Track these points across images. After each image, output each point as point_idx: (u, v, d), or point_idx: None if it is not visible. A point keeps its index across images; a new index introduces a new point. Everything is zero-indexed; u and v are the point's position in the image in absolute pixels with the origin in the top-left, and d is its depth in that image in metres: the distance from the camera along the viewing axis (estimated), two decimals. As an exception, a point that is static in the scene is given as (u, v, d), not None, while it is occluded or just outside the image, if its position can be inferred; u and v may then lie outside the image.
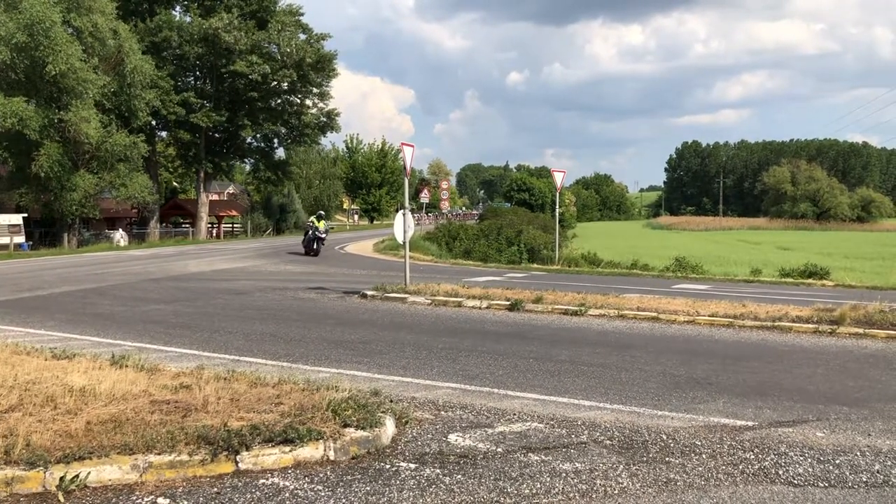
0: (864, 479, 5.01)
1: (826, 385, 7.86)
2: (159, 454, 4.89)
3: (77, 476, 4.60)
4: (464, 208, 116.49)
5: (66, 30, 35.51)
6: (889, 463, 5.34)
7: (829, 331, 11.03)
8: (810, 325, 11.29)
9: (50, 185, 36.38)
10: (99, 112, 37.23)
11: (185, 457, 4.90)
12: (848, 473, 5.12)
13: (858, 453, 5.55)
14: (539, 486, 4.80)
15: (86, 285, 18.07)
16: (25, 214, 38.62)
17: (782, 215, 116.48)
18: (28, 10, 33.50)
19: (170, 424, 5.35)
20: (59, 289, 17.27)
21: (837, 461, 5.36)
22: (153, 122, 46.43)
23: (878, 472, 5.16)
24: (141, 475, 4.77)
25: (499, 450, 5.52)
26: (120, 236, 43.49)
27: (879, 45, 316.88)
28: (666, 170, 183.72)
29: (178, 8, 49.94)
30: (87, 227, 44.79)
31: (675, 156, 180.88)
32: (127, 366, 7.34)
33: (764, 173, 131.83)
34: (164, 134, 51.44)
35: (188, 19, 47.98)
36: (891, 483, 4.95)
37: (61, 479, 4.56)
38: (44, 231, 41.65)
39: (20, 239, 37.34)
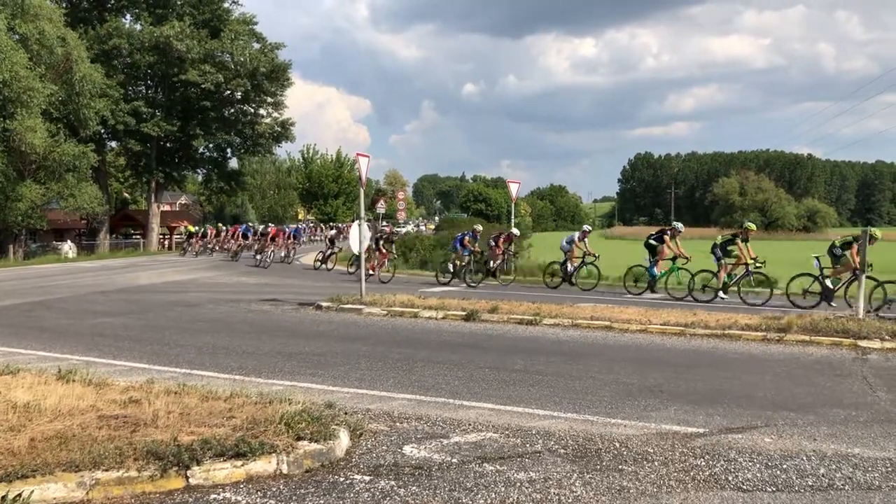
0: (811, 483, 5.13)
1: (774, 391, 8.03)
2: (107, 470, 4.77)
3: (20, 495, 4.45)
4: (420, 218, 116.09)
5: (10, 37, 34.60)
6: (834, 467, 5.47)
7: (776, 338, 11.28)
8: (759, 333, 11.53)
9: (-6, 195, 35.39)
10: (46, 121, 36.33)
11: (133, 472, 4.79)
12: (795, 478, 5.23)
13: (805, 458, 5.68)
14: (494, 496, 4.81)
15: (32, 298, 17.58)
16: (-32, 226, 37.51)
17: (732, 225, 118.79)
18: (-30, 17, 32.64)
19: (118, 440, 5.23)
20: (3, 302, 16.77)
21: (784, 466, 5.48)
22: (103, 132, 45.50)
23: (823, 475, 5.28)
24: (87, 493, 4.64)
25: (454, 460, 5.51)
26: (68, 248, 42.43)
27: (823, 59, 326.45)
28: (619, 181, 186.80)
29: (128, 16, 49.12)
30: (34, 239, 43.68)
31: (628, 167, 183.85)
32: (74, 380, 7.16)
33: (714, 184, 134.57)
34: (114, 144, 50.47)
35: (139, 27, 47.20)
36: (836, 486, 5.08)
37: (2, 498, 4.41)
38: (-13, 243, 40.45)
39: (-38, 251, 36.22)
